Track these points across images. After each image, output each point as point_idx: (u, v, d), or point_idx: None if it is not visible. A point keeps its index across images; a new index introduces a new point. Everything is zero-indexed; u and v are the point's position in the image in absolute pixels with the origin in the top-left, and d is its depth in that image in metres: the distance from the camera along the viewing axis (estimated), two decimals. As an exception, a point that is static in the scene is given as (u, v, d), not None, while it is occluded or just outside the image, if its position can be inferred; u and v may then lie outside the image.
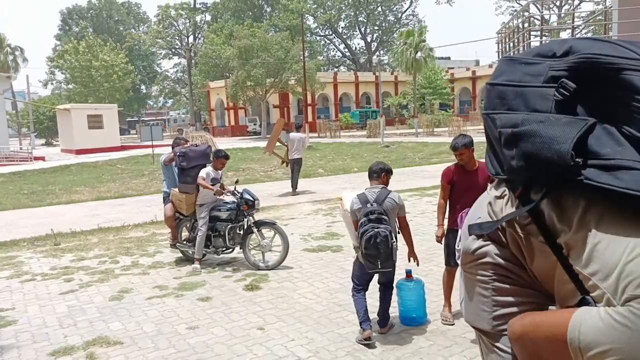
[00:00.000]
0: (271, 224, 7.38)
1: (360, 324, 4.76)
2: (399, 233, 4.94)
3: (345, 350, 4.60)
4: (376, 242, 4.51)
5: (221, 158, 7.51)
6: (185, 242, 7.80)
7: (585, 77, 1.18)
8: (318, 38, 77.27)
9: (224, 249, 7.51)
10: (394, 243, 4.65)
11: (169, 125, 74.26)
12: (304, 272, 6.99)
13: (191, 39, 74.26)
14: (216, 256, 7.70)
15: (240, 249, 7.39)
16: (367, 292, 4.97)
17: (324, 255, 7.79)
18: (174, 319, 5.55)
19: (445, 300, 5.30)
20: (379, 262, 4.60)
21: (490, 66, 53.79)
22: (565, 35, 28.41)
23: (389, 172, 5.03)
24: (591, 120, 1.13)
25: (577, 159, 1.11)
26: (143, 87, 79.25)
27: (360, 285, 4.94)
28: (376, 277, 4.98)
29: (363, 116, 50.75)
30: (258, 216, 7.74)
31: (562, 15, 57.08)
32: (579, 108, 1.19)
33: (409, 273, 5.23)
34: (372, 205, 4.68)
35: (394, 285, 5.08)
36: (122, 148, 37.34)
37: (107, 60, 58.05)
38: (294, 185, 13.75)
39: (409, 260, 5.14)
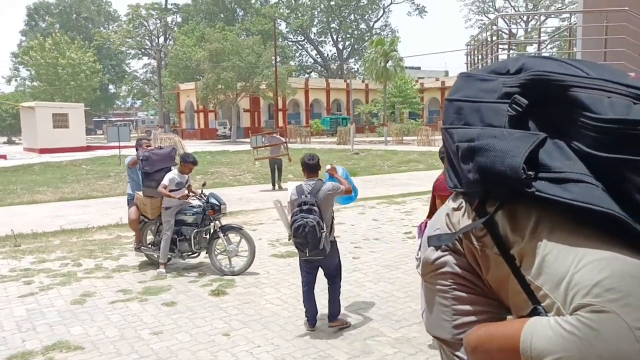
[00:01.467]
0: (237, 229, 7.33)
1: (305, 313, 5.25)
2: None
3: (311, 357, 4.60)
4: (304, 231, 4.82)
5: (189, 163, 7.37)
6: (150, 246, 7.67)
7: (536, 94, 1.22)
8: (290, 43, 77.39)
9: (189, 253, 7.41)
10: (323, 232, 4.88)
11: (136, 126, 73.15)
12: (271, 277, 6.96)
13: (162, 39, 73.48)
14: (181, 260, 7.60)
15: (207, 253, 7.31)
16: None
17: (292, 260, 7.77)
18: (138, 323, 5.45)
19: None
20: (307, 250, 4.92)
21: (459, 77, 54.71)
22: (531, 49, 29.16)
23: (319, 165, 5.40)
24: (542, 135, 1.17)
25: (528, 172, 1.14)
26: (111, 86, 77.89)
27: (305, 277, 5.25)
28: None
29: (334, 123, 51.02)
30: (226, 220, 7.67)
31: (529, 30, 58.65)
32: (530, 123, 1.23)
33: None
34: (306, 196, 4.99)
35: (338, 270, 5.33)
36: (88, 148, 36.58)
37: (74, 58, 56.84)
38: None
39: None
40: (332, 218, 5.25)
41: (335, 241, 5.27)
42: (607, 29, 8.47)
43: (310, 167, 5.31)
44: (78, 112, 38.05)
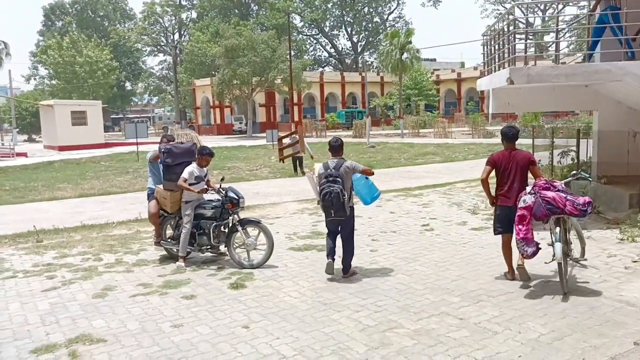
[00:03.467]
0: (256, 223, 7.36)
1: (327, 255, 6.56)
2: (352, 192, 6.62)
3: (330, 349, 4.62)
4: (330, 197, 6.27)
5: (205, 155, 7.45)
6: (169, 240, 7.75)
7: None
8: (304, 37, 77.22)
9: (208, 247, 7.47)
10: (345, 198, 6.29)
11: (153, 122, 73.71)
12: (289, 270, 6.99)
13: (177, 36, 73.82)
14: (201, 254, 7.66)
15: (225, 247, 7.36)
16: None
17: (310, 254, 7.79)
18: (158, 317, 5.52)
19: (507, 266, 6.36)
20: (332, 212, 6.37)
21: (475, 68, 54.14)
22: (549, 38, 28.71)
23: (343, 146, 6.77)
24: None
25: None
26: (128, 84, 78.59)
27: (329, 234, 6.67)
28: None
29: (349, 116, 50.88)
30: (243, 214, 7.71)
31: (547, 18, 57.75)
32: None
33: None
34: (331, 170, 6.40)
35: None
36: (106, 145, 37.00)
37: (91, 56, 57.47)
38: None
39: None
40: (351, 189, 6.54)
41: (354, 207, 6.61)
42: (626, 15, 8.31)
43: (335, 148, 6.64)
44: (96, 109, 38.49)
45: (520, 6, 9.76)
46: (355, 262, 6.87)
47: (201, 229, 7.43)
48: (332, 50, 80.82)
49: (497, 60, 10.70)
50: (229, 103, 50.55)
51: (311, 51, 79.38)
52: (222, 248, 7.54)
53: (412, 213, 10.52)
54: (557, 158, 13.17)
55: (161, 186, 7.60)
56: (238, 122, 51.61)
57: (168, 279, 6.81)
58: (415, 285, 6.23)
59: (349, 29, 77.86)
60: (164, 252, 7.88)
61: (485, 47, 11.83)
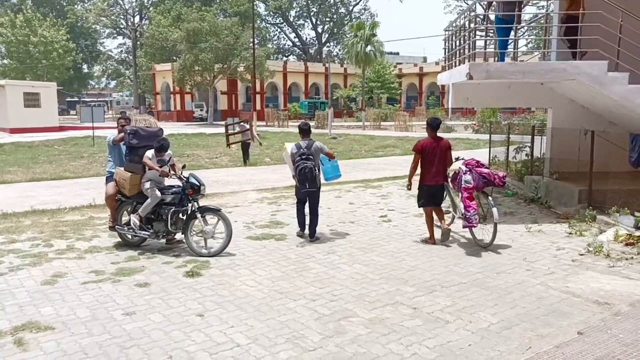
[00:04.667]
0: (215, 211, 7.28)
1: (299, 225, 8.05)
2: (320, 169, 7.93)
3: (284, 337, 4.62)
4: (305, 171, 7.51)
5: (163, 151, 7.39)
6: (124, 226, 7.57)
7: None
8: (268, 25, 76.53)
9: (165, 233, 7.34)
10: (316, 173, 7.64)
11: (111, 107, 71.78)
12: (247, 259, 6.95)
13: (137, 19, 71.91)
14: (157, 240, 7.53)
15: (183, 234, 7.26)
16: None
17: (267, 243, 7.77)
18: (110, 304, 5.40)
19: (429, 233, 7.68)
20: (307, 184, 7.58)
21: (437, 63, 54.87)
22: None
23: (311, 129, 8.11)
24: None
25: None
26: (85, 66, 76.15)
27: (300, 203, 8.01)
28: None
29: (312, 107, 50.79)
30: (202, 203, 7.61)
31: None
32: None
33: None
34: (304, 150, 7.63)
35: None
36: (61, 129, 35.84)
37: (46, 36, 55.35)
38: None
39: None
40: (318, 168, 7.77)
41: (321, 183, 7.93)
42: (582, 16, 8.56)
43: (305, 130, 7.94)
44: (50, 91, 37.14)
45: (481, 3, 9.92)
46: (312, 252, 6.98)
47: (159, 215, 7.30)
48: (297, 39, 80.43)
49: (457, 55, 10.86)
50: (189, 89, 49.62)
51: (275, 40, 78.83)
52: (179, 235, 7.44)
53: (371, 204, 10.61)
54: (512, 153, 13.50)
55: (122, 168, 7.43)
56: (199, 109, 50.85)
57: (121, 266, 6.67)
58: (371, 275, 6.29)
59: (314, 19, 77.57)
60: (118, 239, 7.71)
61: (447, 42, 11.99)
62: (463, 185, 7.28)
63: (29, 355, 4.33)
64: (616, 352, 4.19)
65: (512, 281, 6.02)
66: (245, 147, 18.08)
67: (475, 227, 7.26)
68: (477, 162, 7.54)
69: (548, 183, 10.56)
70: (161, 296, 5.61)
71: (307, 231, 8.00)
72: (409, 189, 8.05)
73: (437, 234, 7.73)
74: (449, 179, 7.80)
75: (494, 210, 7.13)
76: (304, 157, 7.54)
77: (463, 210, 7.30)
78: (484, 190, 7.42)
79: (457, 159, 7.75)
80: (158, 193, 7.21)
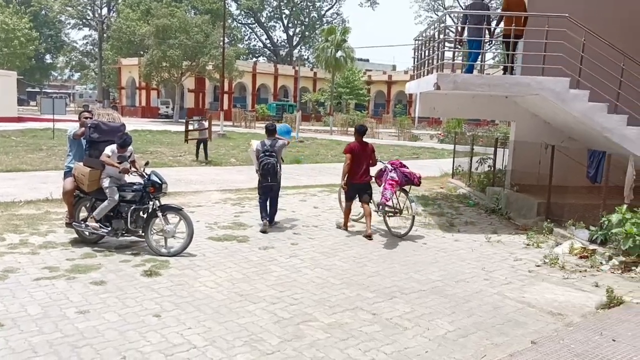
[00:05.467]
0: (177, 210, 7.16)
1: (261, 218, 8.61)
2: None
3: (242, 340, 4.57)
4: (268, 167, 8.30)
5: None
6: (82, 222, 7.36)
7: None
8: (240, 25, 76.05)
9: (124, 231, 7.17)
10: (278, 169, 8.43)
11: (74, 99, 69.99)
12: (207, 260, 6.85)
13: (104, 10, 70.40)
14: (115, 239, 7.35)
15: (142, 232, 7.10)
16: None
17: (229, 244, 7.68)
18: (63, 302, 5.24)
19: (345, 221, 8.92)
20: (269, 178, 8.35)
21: (406, 72, 55.53)
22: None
23: (276, 129, 8.88)
24: None
25: None
26: (48, 56, 74.05)
27: (263, 196, 8.66)
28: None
29: (280, 109, 50.62)
30: (164, 201, 7.47)
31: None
32: None
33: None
34: (268, 147, 8.46)
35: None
36: (19, 119, 34.73)
37: (8, 23, 53.68)
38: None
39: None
40: (280, 164, 8.59)
41: (281, 178, 8.77)
42: (547, 33, 8.79)
43: (271, 130, 8.68)
44: (9, 80, 35.92)
45: (451, 15, 10.08)
46: (275, 255, 6.97)
47: (119, 213, 7.12)
48: (267, 41, 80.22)
49: (426, 65, 11.01)
50: (156, 85, 48.80)
51: (246, 40, 78.37)
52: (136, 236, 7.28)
53: (335, 209, 10.62)
54: (475, 165, 13.75)
55: (81, 163, 7.22)
56: (164, 106, 50.03)
57: (77, 263, 6.48)
58: (332, 279, 6.29)
59: (285, 21, 77.51)
60: (75, 235, 7.49)
61: (416, 51, 12.14)
62: (389, 179, 8.43)
63: (-27, 353, 4.16)
64: (567, 362, 4.30)
65: (470, 290, 6.12)
66: (200, 144, 18.43)
67: (387, 201, 8.36)
68: (400, 163, 8.79)
69: (509, 195, 10.79)
70: (117, 295, 5.48)
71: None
72: (344, 189, 8.80)
73: (359, 227, 9.04)
74: (375, 177, 8.89)
75: (413, 204, 8.42)
76: (267, 153, 8.36)
77: (382, 191, 8.46)
78: (404, 188, 8.63)
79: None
80: (116, 196, 7.01)
